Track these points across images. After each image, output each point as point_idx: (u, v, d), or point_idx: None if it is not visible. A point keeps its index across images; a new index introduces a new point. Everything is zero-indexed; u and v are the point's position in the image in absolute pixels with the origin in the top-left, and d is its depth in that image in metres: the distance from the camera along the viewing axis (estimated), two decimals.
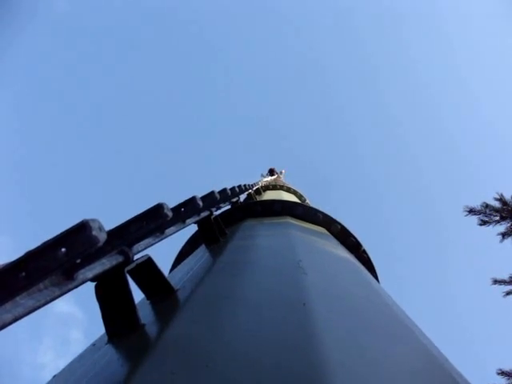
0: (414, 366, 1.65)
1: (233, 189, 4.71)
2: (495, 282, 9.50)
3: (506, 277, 9.39)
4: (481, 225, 9.32)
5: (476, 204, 9.30)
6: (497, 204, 9.12)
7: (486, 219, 9.27)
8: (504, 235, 9.32)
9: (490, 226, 9.29)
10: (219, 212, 4.29)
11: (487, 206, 9.19)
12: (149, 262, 2.16)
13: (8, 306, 1.02)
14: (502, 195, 9.02)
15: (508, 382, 8.27)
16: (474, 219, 9.37)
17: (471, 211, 9.35)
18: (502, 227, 9.26)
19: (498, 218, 9.17)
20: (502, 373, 8.40)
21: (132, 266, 1.93)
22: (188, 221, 2.81)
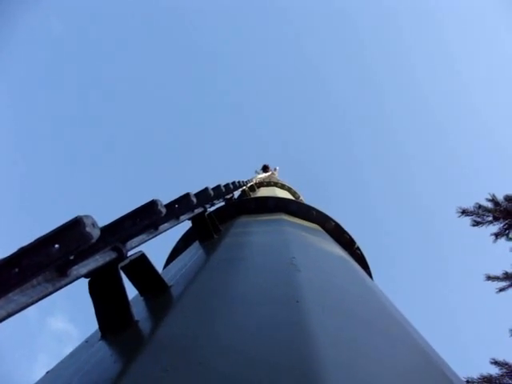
0: (406, 363, 1.65)
1: (227, 185, 4.71)
2: (489, 278, 9.57)
3: (499, 273, 9.46)
4: (474, 225, 9.38)
5: (469, 205, 9.36)
6: (489, 205, 9.18)
7: (479, 220, 9.33)
8: (497, 235, 9.38)
9: (483, 227, 9.35)
10: (213, 208, 4.29)
11: (480, 206, 9.25)
12: (142, 259, 2.16)
13: (1, 302, 1.02)
14: (494, 196, 9.08)
15: (500, 371, 8.33)
16: (468, 219, 9.43)
17: (464, 212, 9.41)
18: (495, 227, 9.32)
19: (490, 218, 9.23)
20: (495, 362, 8.47)
21: (125, 262, 1.93)
22: (182, 217, 2.81)
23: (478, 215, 9.25)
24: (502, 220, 9.07)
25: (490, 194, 9.11)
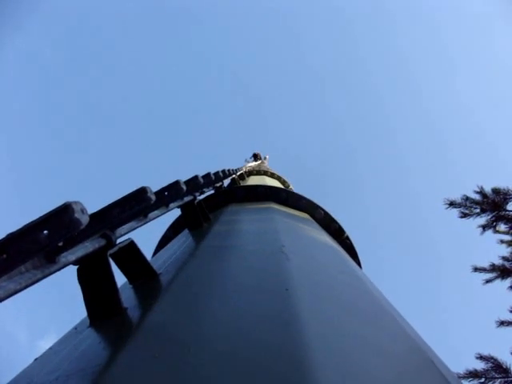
0: (394, 350, 1.66)
1: (216, 173, 4.69)
2: (475, 269, 9.65)
3: (486, 265, 9.54)
4: (461, 217, 9.42)
5: (456, 197, 9.41)
6: (477, 197, 9.23)
7: (467, 212, 9.37)
8: (484, 227, 9.43)
9: (471, 219, 9.41)
10: (203, 197, 4.28)
11: (467, 198, 9.29)
12: (131, 246, 2.15)
13: None
14: (482, 188, 9.11)
15: (486, 366, 8.40)
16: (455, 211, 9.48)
17: (452, 204, 9.45)
18: (483, 219, 9.37)
19: (478, 210, 9.27)
20: (481, 357, 8.53)
21: (115, 249, 1.92)
22: (171, 205, 2.80)
23: (465, 207, 9.30)
24: (489, 212, 9.12)
25: (478, 186, 9.15)
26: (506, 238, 9.59)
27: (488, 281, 9.53)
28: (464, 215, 9.45)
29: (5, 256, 1.05)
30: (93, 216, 1.60)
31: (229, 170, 6.12)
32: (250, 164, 11.28)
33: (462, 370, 8.67)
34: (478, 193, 9.22)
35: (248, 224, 3.62)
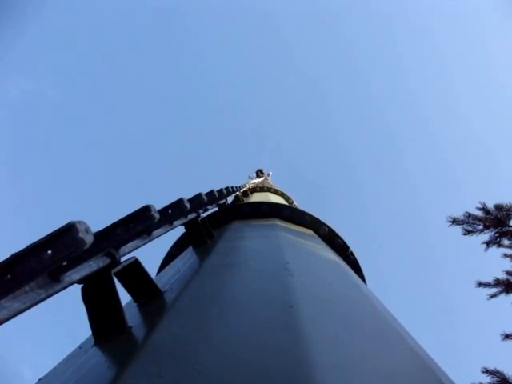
0: (400, 367, 1.65)
1: (220, 191, 4.70)
2: (480, 284, 9.59)
3: (490, 280, 9.48)
4: (465, 234, 9.39)
5: (459, 214, 9.37)
6: (480, 213, 9.19)
7: (470, 229, 9.33)
8: (488, 244, 9.39)
9: (474, 236, 9.36)
10: (206, 214, 4.28)
11: (470, 215, 9.26)
12: (136, 264, 2.15)
13: None
14: (484, 204, 9.08)
15: (492, 380, 8.33)
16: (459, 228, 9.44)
17: (454, 221, 9.41)
18: (486, 236, 9.33)
19: (481, 227, 9.23)
20: (487, 371, 8.46)
21: (119, 268, 1.92)
22: (175, 223, 2.80)
23: (468, 224, 9.26)
24: (492, 228, 9.07)
25: (480, 202, 9.12)
26: (510, 252, 9.54)
27: (493, 296, 9.47)
28: (467, 232, 9.41)
29: (9, 276, 1.05)
30: (97, 235, 1.60)
31: (232, 187, 6.13)
32: (254, 181, 11.30)
33: None
34: (480, 209, 9.19)
35: (252, 241, 3.62)
